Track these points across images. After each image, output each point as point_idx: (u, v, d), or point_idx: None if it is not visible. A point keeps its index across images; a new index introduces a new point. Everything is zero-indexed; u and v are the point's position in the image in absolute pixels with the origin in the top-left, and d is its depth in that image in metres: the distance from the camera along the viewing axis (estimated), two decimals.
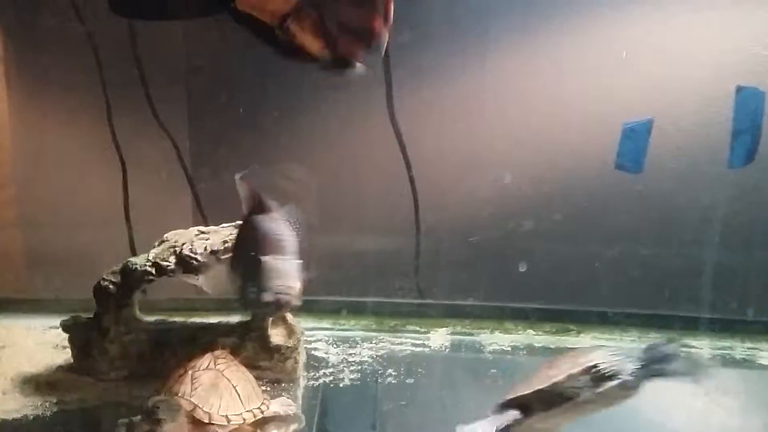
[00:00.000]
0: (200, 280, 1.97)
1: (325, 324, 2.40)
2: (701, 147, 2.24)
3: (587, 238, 2.37)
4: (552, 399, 1.51)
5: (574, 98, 2.32)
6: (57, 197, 2.57)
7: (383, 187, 2.49)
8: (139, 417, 1.49)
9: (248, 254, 1.47)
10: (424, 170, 2.44)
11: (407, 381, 2.00)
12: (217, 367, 1.65)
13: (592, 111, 2.29)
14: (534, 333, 2.38)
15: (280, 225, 1.51)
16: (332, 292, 2.49)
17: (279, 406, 1.71)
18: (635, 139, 2.10)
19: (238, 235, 1.65)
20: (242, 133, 2.49)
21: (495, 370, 2.08)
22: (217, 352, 1.71)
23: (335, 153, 2.49)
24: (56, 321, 2.26)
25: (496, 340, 2.33)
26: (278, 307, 1.41)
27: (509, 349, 2.27)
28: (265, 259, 1.43)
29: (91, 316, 1.92)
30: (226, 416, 1.56)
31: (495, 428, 1.53)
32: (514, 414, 1.54)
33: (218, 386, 1.59)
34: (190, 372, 1.60)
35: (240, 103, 2.46)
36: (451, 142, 2.46)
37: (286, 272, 1.43)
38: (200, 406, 1.53)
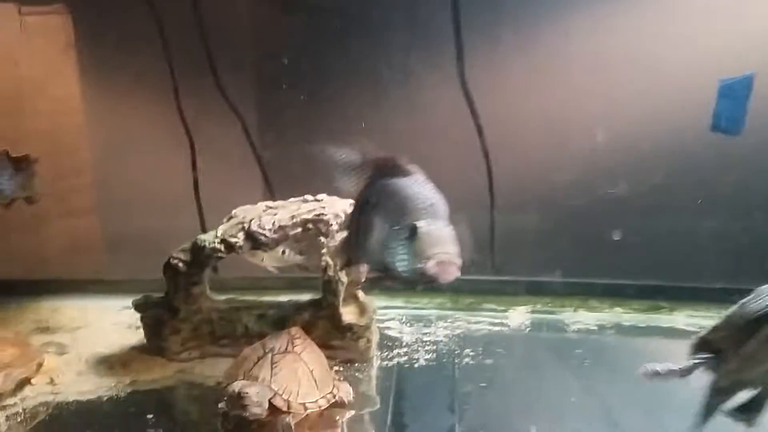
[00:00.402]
0: (264, 260, 1.91)
1: (398, 302, 2.31)
2: None
3: (681, 207, 2.20)
4: (743, 328, 1.28)
5: (665, 55, 2.14)
6: (129, 180, 2.58)
7: (455, 157, 2.38)
8: (224, 404, 1.47)
9: (388, 222, 1.34)
10: (498, 139, 2.31)
11: (486, 362, 1.89)
12: (295, 349, 1.60)
13: (686, 69, 2.11)
14: (622, 311, 2.23)
15: (427, 187, 1.37)
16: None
17: (342, 392, 1.66)
18: (733, 98, 1.91)
19: (362, 203, 1.45)
20: (309, 107, 2.44)
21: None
22: (293, 331, 1.66)
23: (404, 124, 2.39)
24: (130, 301, 2.31)
25: (581, 318, 2.18)
26: (443, 277, 1.27)
27: (595, 328, 2.12)
28: (420, 225, 1.29)
29: (162, 295, 1.91)
30: (304, 404, 1.52)
31: (679, 368, 1.37)
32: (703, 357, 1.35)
33: (297, 372, 1.55)
34: (269, 355, 1.55)
35: (306, 77, 2.40)
36: (526, 110, 2.32)
37: (444, 238, 1.29)
38: (280, 393, 1.48)
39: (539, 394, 1.74)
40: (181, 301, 1.85)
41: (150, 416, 1.64)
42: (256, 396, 1.44)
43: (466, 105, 2.29)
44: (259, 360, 1.53)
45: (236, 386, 1.45)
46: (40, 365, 1.83)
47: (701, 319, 2.13)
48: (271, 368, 1.51)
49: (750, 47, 2.04)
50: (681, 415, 1.46)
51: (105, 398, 1.74)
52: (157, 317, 1.88)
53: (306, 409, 1.52)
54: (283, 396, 1.49)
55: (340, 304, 1.86)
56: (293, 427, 1.49)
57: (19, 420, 1.64)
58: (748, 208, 2.12)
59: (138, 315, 1.99)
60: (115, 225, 2.64)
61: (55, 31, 2.47)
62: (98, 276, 2.55)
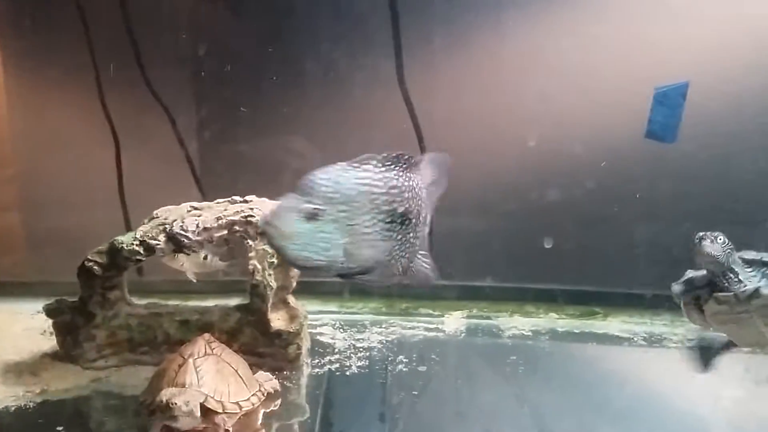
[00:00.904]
0: (185, 265, 1.82)
1: (331, 307, 2.25)
2: (744, 113, 2.05)
3: (616, 214, 2.20)
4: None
5: (600, 59, 2.14)
6: (51, 176, 2.45)
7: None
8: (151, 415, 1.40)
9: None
10: (434, 140, 2.26)
11: (420, 369, 1.84)
12: (214, 351, 1.55)
13: (622, 74, 2.11)
14: (557, 316, 2.22)
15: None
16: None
17: (264, 382, 1.64)
18: (668, 105, 1.91)
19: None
20: (242, 104, 2.35)
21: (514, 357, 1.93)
22: (206, 336, 1.59)
23: (342, 124, 2.33)
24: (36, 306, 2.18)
25: (516, 324, 2.16)
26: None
27: (530, 333, 2.10)
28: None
29: (77, 299, 1.79)
30: (238, 403, 1.48)
31: None
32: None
33: (223, 372, 1.50)
34: (190, 360, 1.48)
35: (240, 75, 2.31)
36: (462, 111, 2.29)
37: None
38: (211, 395, 1.43)
39: (472, 402, 1.70)
40: (97, 306, 1.74)
41: (60, 428, 1.53)
42: (186, 405, 1.37)
43: (403, 104, 2.24)
44: (180, 367, 1.45)
45: (163, 396, 1.37)
46: None
47: (635, 326, 2.14)
48: (196, 372, 1.45)
49: (686, 54, 2.05)
50: (614, 423, 1.45)
51: (12, 408, 1.62)
52: (71, 323, 1.76)
53: (241, 408, 1.48)
54: (215, 398, 1.43)
55: (269, 309, 1.78)
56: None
57: None
58: (683, 215, 2.12)
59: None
60: (35, 223, 2.51)
61: None
62: (11, 277, 2.40)
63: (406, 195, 1.35)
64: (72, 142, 2.44)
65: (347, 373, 1.82)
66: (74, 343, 1.77)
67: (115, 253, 1.71)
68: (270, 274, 1.75)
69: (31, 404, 1.64)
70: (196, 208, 1.79)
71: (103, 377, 1.76)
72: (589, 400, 1.73)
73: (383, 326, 2.12)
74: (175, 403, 1.36)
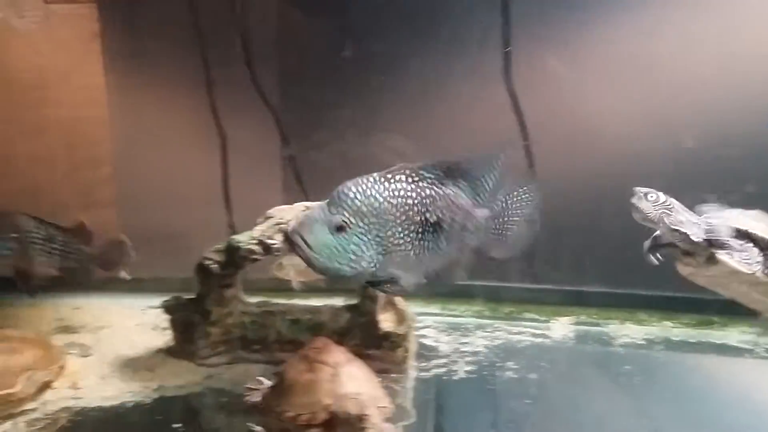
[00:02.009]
0: (291, 274, 1.82)
1: (434, 309, 2.21)
2: None
3: None
4: None
5: (706, 59, 2.04)
6: (153, 175, 2.49)
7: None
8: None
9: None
10: (542, 138, 2.22)
11: (529, 376, 1.79)
12: (348, 356, 1.52)
13: (728, 73, 1.99)
14: (672, 325, 2.11)
15: None
16: None
17: None
18: None
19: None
20: (343, 105, 2.34)
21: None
22: (327, 340, 1.57)
23: (443, 122, 2.29)
24: (155, 301, 2.20)
25: (627, 332, 2.07)
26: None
27: (643, 342, 2.01)
28: None
29: (193, 296, 1.82)
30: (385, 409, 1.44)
31: None
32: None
33: (372, 379, 1.48)
34: (343, 369, 1.44)
35: (344, 74, 2.30)
36: (573, 110, 2.21)
37: None
38: (376, 404, 1.40)
39: (588, 412, 1.64)
40: (213, 304, 1.77)
41: (178, 425, 1.56)
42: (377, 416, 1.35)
43: (508, 101, 2.19)
44: (333, 376, 1.41)
45: (350, 408, 1.35)
46: (62, 368, 1.75)
47: (756, 336, 2.02)
48: (354, 380, 1.42)
49: None
50: None
51: (130, 404, 1.65)
52: (187, 319, 1.79)
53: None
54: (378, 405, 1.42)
55: (378, 311, 1.77)
56: None
57: (39, 427, 1.55)
58: None
59: (164, 316, 1.91)
60: (137, 220, 2.55)
61: (81, 20, 2.40)
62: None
63: (440, 203, 1.35)
64: (172, 142, 2.47)
65: (455, 378, 1.78)
66: (189, 340, 1.80)
67: (232, 252, 1.72)
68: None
69: (148, 400, 1.67)
70: (310, 208, 1.78)
71: (216, 374, 1.78)
72: (707, 414, 1.64)
73: (488, 330, 2.07)
74: (368, 415, 1.35)
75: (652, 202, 1.68)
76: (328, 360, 1.43)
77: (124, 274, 1.94)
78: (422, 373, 1.80)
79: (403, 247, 1.33)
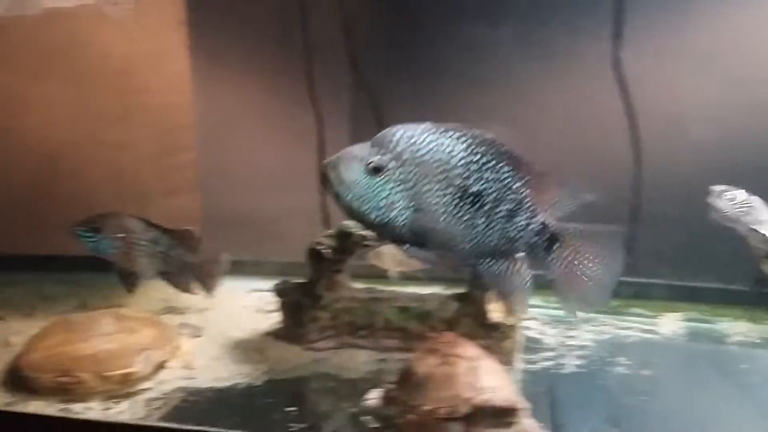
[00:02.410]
0: (387, 262, 1.81)
1: (535, 300, 2.16)
2: None
3: None
4: None
5: None
6: (238, 160, 2.53)
7: (601, 144, 2.22)
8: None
9: None
10: (650, 128, 2.15)
11: (642, 372, 1.73)
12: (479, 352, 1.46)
13: None
14: None
15: None
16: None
17: None
18: None
19: None
20: (443, 92, 2.31)
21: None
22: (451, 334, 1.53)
23: (548, 110, 2.23)
24: (257, 284, 2.27)
25: (742, 330, 1.98)
26: None
27: (759, 341, 1.92)
28: None
29: (303, 281, 1.84)
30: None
31: None
32: None
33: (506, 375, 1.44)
34: (476, 363, 1.39)
35: (447, 57, 2.27)
36: (684, 101, 2.13)
37: None
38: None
39: (708, 412, 1.57)
40: (324, 289, 1.78)
41: (291, 408, 1.58)
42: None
43: (618, 90, 2.12)
44: (471, 371, 1.36)
45: (494, 401, 1.30)
46: (176, 348, 1.79)
47: None
48: (493, 374, 1.37)
49: None
50: None
51: (242, 386, 1.67)
52: (298, 303, 1.81)
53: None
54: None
55: (487, 300, 1.74)
56: None
57: (155, 406, 1.59)
58: None
59: (268, 299, 1.94)
60: (220, 205, 2.57)
61: (168, 6, 2.43)
62: None
63: (486, 176, 1.26)
64: (257, 128, 2.50)
65: (564, 372, 1.74)
66: (298, 324, 1.81)
67: (344, 237, 1.73)
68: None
69: (259, 383, 1.69)
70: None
71: (323, 358, 1.79)
72: None
73: (594, 324, 2.01)
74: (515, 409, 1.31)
75: (729, 201, 1.61)
76: (464, 353, 1.40)
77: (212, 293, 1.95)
78: (529, 366, 1.76)
79: (435, 209, 1.25)
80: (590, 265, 1.35)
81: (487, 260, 1.35)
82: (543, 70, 2.22)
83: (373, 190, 1.23)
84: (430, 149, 1.23)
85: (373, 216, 1.25)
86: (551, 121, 2.23)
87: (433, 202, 1.25)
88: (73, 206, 2.38)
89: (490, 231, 1.30)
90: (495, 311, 1.75)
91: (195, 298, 2.16)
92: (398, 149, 1.22)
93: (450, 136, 1.25)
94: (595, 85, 2.17)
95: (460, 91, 2.30)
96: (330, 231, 1.77)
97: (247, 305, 2.14)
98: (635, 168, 2.18)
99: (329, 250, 1.74)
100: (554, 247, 1.34)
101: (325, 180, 1.25)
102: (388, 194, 1.23)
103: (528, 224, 1.32)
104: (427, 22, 2.31)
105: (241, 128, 2.51)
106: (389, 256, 1.87)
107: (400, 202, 1.24)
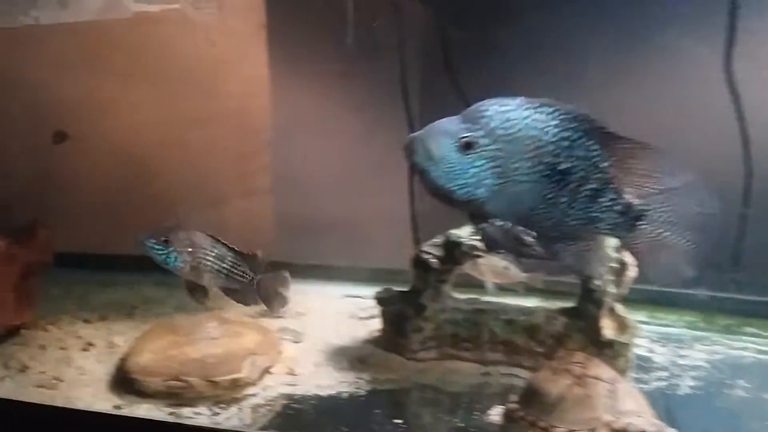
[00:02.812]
0: (485, 273, 1.75)
1: (640, 317, 2.06)
2: None
3: None
4: None
5: None
6: (314, 164, 2.49)
7: (708, 146, 2.09)
8: None
9: None
10: (762, 132, 2.02)
11: (765, 396, 1.63)
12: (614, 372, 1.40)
13: None
14: None
15: None
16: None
17: None
18: None
19: None
20: (542, 86, 2.23)
21: None
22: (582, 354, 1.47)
23: (652, 108, 2.13)
24: (348, 289, 2.25)
25: None
26: None
27: None
28: None
29: (404, 289, 1.80)
30: None
31: None
32: None
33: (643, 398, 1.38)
34: (615, 385, 1.33)
35: (549, 57, 2.20)
36: None
37: None
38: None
39: None
40: (429, 299, 1.74)
41: (399, 421, 1.54)
42: None
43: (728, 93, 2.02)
44: (610, 393, 1.31)
45: (641, 427, 1.25)
46: (279, 353, 1.78)
47: None
48: (634, 398, 1.32)
49: None
50: None
51: (345, 395, 1.65)
52: (401, 313, 1.77)
53: None
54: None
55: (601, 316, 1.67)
56: None
57: (261, 413, 1.58)
58: None
59: (361, 305, 1.96)
60: (293, 208, 2.52)
61: (250, 11, 2.43)
62: (312, 261, 2.49)
63: (576, 153, 1.18)
64: (333, 132, 2.47)
65: (680, 393, 1.65)
66: (400, 333, 1.78)
67: (452, 247, 1.69)
68: (609, 280, 1.64)
69: (362, 392, 1.66)
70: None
71: (426, 369, 1.75)
72: None
73: (706, 343, 1.91)
74: None
75: None
76: (601, 375, 1.33)
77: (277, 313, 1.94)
78: (642, 385, 1.68)
79: (522, 187, 1.20)
80: (678, 234, 1.28)
81: (567, 240, 1.29)
82: (648, 70, 2.13)
83: (463, 167, 1.19)
84: (524, 125, 1.19)
85: (459, 193, 1.20)
86: (657, 123, 2.13)
87: (521, 179, 1.20)
88: (159, 207, 2.45)
89: (573, 210, 1.24)
90: (607, 328, 1.68)
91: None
92: (491, 125, 1.18)
93: (544, 112, 1.20)
94: (704, 86, 2.07)
95: (557, 92, 2.23)
96: (436, 240, 1.72)
97: (340, 311, 2.12)
98: (746, 177, 2.07)
99: (436, 260, 1.70)
100: (637, 224, 1.27)
101: (411, 154, 1.20)
102: (477, 171, 1.19)
103: (612, 204, 1.25)
104: (523, 20, 2.25)
105: (313, 133, 2.49)
106: (487, 266, 1.82)
107: (488, 179, 1.20)
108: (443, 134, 1.18)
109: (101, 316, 2.08)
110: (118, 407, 1.61)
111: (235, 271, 1.73)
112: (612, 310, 1.74)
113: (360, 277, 2.32)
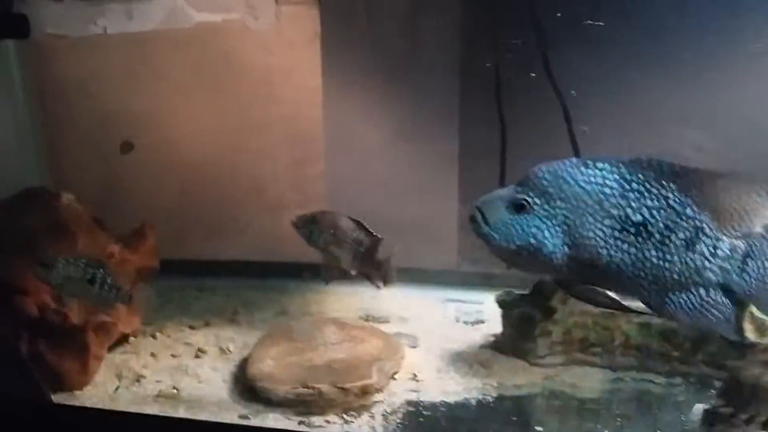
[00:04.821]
0: None
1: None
2: None
3: None
4: None
5: None
6: (365, 172, 2.44)
7: None
8: None
9: None
10: None
11: None
12: None
13: None
14: None
15: None
16: None
17: None
18: None
19: None
20: (639, 84, 2.17)
21: None
22: None
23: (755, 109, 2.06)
24: (449, 293, 2.19)
25: None
26: None
27: None
28: None
29: (526, 292, 1.76)
30: None
31: None
32: None
33: None
34: None
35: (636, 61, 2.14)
36: None
37: None
38: None
39: None
40: (560, 302, 1.68)
41: (539, 429, 1.49)
42: None
43: None
44: None
45: None
46: (403, 359, 1.72)
47: None
48: None
49: None
50: None
51: (473, 401, 1.60)
52: (527, 316, 1.72)
53: None
54: None
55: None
56: None
57: (394, 421, 1.53)
58: None
59: (463, 309, 1.95)
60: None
61: (306, 20, 2.39)
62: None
63: (649, 203, 1.16)
64: (385, 142, 2.41)
65: None
66: (525, 337, 1.72)
67: None
68: None
69: (490, 398, 1.61)
70: None
71: (554, 375, 1.69)
72: None
73: None
74: None
75: None
76: None
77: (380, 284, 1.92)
78: None
79: (594, 242, 1.17)
80: None
81: (676, 295, 1.22)
82: (748, 69, 2.06)
83: (520, 228, 1.20)
84: (578, 181, 1.18)
85: (524, 255, 1.21)
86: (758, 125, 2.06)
87: (589, 235, 1.18)
88: (218, 214, 2.47)
89: (668, 263, 1.19)
90: (749, 331, 1.61)
91: (392, 307, 2.11)
92: (543, 185, 1.19)
93: (598, 167, 1.18)
94: None
95: (656, 92, 2.17)
96: None
97: (445, 316, 2.06)
98: None
99: None
100: (748, 262, 1.21)
101: (471, 223, 1.24)
102: (537, 231, 1.19)
103: (714, 250, 1.19)
104: (624, 18, 2.18)
105: (364, 142, 2.45)
106: None
107: (552, 239, 1.19)
108: (495, 199, 1.22)
109: (205, 322, 2.03)
110: (244, 417, 1.56)
111: (367, 255, 1.74)
112: (751, 314, 1.68)
113: (445, 281, 2.28)
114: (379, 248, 1.80)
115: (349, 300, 2.17)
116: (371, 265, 1.76)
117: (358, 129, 2.45)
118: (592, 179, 1.18)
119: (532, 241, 1.19)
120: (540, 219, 1.20)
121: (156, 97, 2.49)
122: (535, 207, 1.19)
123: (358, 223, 1.77)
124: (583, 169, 1.19)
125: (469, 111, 2.32)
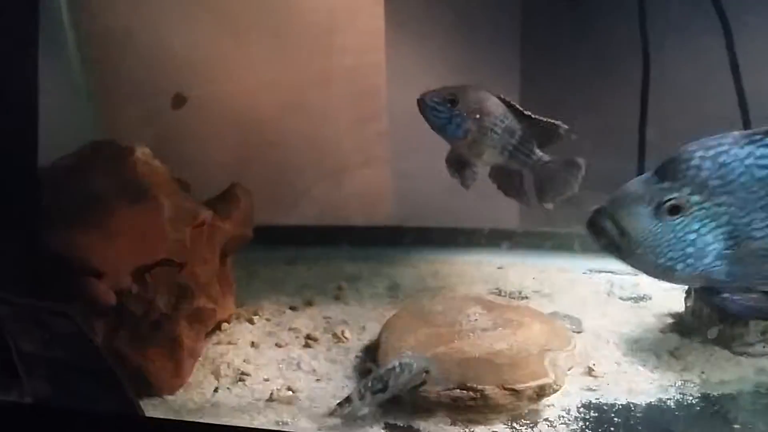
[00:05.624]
0: None
1: None
2: None
3: None
4: None
5: None
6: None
7: None
8: None
9: None
10: None
11: None
12: None
13: None
14: None
15: None
16: None
17: None
18: None
19: None
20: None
21: None
22: None
23: None
24: (589, 262, 1.82)
25: None
26: None
27: None
28: None
29: None
30: None
31: None
32: None
33: None
34: None
35: None
36: None
37: None
38: None
39: None
40: None
41: None
42: None
43: None
44: None
45: None
46: (574, 348, 1.35)
47: None
48: None
49: None
50: None
51: (672, 403, 1.24)
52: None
53: None
54: None
55: None
56: None
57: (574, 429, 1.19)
58: None
59: (608, 280, 1.63)
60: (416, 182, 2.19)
61: None
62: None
63: None
64: None
65: None
66: (731, 322, 1.35)
67: None
68: None
69: (692, 399, 1.25)
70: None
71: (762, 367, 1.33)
72: None
73: None
74: None
75: None
76: None
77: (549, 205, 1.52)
78: None
79: (763, 244, 0.92)
80: None
81: None
82: None
83: (675, 236, 0.93)
84: (748, 166, 0.91)
85: (679, 269, 0.94)
86: None
87: (759, 235, 0.93)
88: (277, 178, 2.18)
89: None
90: None
91: (526, 280, 1.75)
92: (702, 175, 0.91)
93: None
94: None
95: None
96: None
97: (596, 291, 1.69)
98: None
99: None
100: None
101: (599, 234, 0.95)
102: (695, 237, 0.93)
103: None
104: None
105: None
106: None
107: (714, 244, 0.94)
108: (636, 202, 0.93)
109: (307, 301, 1.68)
110: (391, 427, 1.22)
111: (524, 149, 1.36)
112: None
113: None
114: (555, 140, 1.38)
115: (470, 270, 1.82)
116: (522, 160, 1.37)
117: (424, 77, 2.13)
118: (762, 160, 0.91)
119: (691, 250, 0.92)
120: (699, 221, 0.94)
121: (210, 46, 2.18)
122: (693, 206, 0.92)
123: (514, 107, 1.38)
124: (747, 148, 0.91)
125: (530, 60, 2.09)
